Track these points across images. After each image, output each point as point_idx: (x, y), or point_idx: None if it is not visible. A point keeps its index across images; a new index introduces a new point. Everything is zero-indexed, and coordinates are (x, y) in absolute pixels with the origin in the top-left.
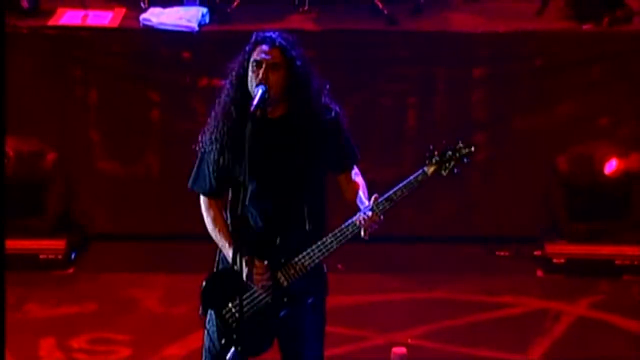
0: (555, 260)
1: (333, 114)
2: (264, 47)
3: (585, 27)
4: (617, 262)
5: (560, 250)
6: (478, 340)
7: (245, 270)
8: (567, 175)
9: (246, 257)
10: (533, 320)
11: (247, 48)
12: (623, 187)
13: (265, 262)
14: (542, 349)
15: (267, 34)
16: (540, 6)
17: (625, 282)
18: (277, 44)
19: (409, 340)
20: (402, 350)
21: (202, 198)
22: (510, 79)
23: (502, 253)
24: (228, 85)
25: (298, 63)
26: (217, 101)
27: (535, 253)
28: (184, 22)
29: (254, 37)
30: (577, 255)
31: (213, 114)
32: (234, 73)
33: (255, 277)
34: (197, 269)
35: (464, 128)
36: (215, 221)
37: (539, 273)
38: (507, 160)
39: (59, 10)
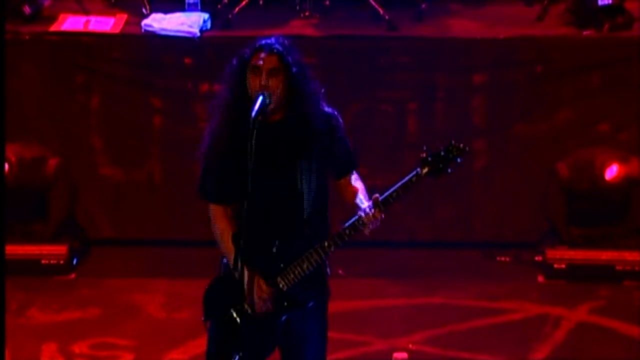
0: (556, 266)
1: (331, 118)
2: (262, 54)
3: (585, 33)
4: (617, 267)
5: (560, 255)
6: (478, 345)
7: (248, 285)
8: (567, 180)
9: (251, 274)
10: (533, 325)
11: (246, 54)
12: (623, 192)
13: (269, 285)
14: (543, 355)
15: (266, 41)
16: (541, 12)
17: (625, 287)
18: (274, 50)
19: (410, 345)
20: (403, 355)
21: (210, 207)
22: (511, 85)
23: (502, 258)
24: (227, 92)
25: (294, 69)
26: (215, 107)
27: (536, 258)
28: (185, 28)
29: (252, 44)
30: (578, 260)
31: (214, 119)
32: (232, 79)
33: (257, 296)
34: (199, 274)
35: (464, 134)
36: (223, 233)
37: (540, 278)
38: (507, 165)
39: (61, 16)
